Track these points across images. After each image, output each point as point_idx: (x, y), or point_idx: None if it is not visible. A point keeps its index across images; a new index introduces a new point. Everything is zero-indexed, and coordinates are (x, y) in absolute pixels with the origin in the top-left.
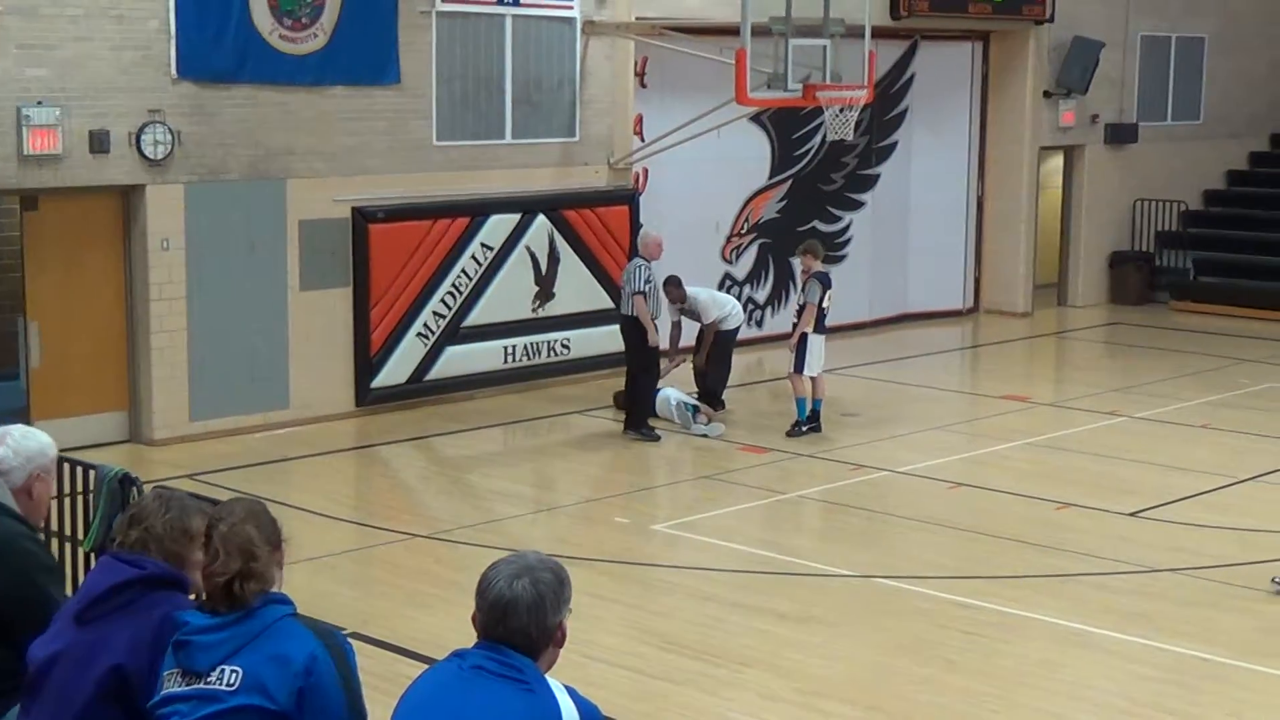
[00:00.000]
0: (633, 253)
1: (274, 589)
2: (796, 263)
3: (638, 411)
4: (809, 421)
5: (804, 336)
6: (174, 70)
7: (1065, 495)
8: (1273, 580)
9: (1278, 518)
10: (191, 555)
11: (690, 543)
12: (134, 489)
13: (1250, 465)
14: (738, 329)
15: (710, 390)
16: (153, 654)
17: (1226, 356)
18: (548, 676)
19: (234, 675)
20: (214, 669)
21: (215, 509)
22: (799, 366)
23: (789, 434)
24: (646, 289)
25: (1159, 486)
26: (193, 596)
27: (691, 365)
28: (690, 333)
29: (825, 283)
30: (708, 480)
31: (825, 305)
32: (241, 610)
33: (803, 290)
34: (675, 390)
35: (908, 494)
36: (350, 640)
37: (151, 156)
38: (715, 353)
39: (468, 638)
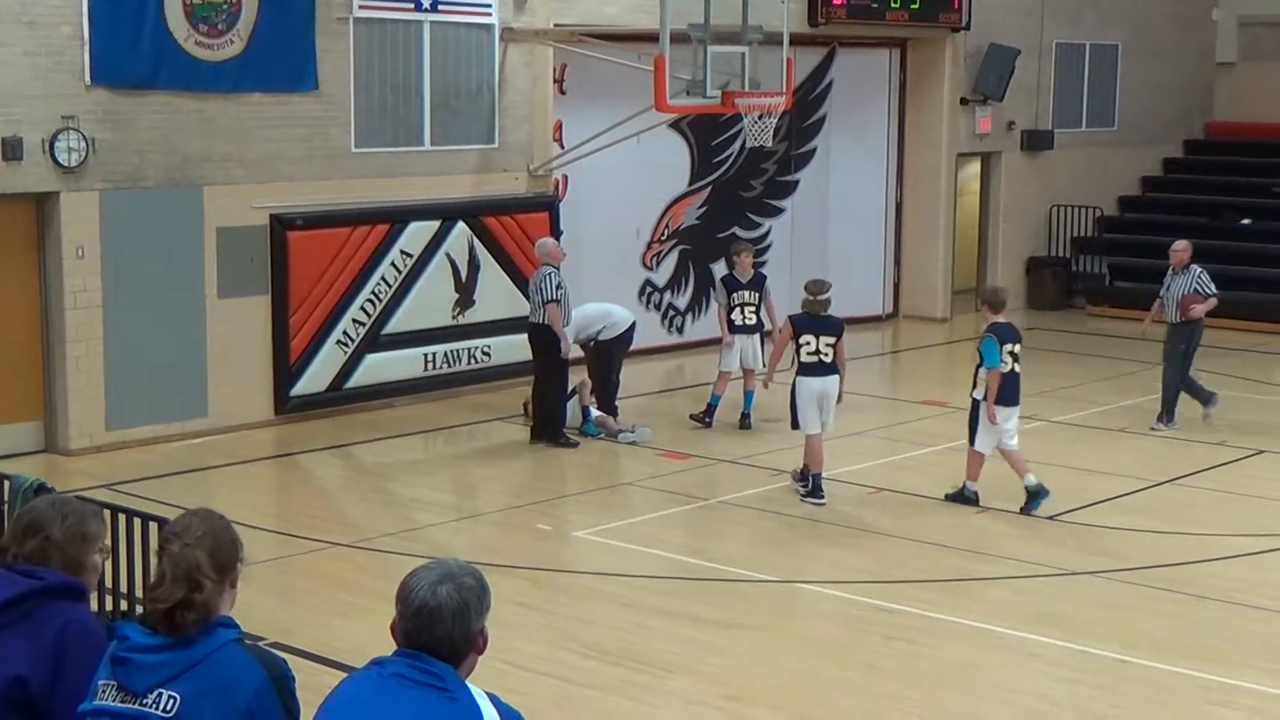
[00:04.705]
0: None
1: (220, 614)
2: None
3: (551, 422)
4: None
5: None
6: (88, 76)
7: (984, 499)
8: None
9: (1195, 520)
10: (89, 559)
11: (612, 549)
12: None
13: (1167, 468)
14: (621, 338)
15: (604, 400)
16: (55, 665)
17: (1142, 360)
18: (469, 683)
19: (171, 702)
20: (151, 691)
21: (172, 523)
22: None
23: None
24: (559, 295)
25: (1077, 490)
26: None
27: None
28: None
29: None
30: (629, 486)
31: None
32: (180, 636)
33: (762, 289)
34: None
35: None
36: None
37: (65, 163)
38: (600, 363)
39: (390, 646)
